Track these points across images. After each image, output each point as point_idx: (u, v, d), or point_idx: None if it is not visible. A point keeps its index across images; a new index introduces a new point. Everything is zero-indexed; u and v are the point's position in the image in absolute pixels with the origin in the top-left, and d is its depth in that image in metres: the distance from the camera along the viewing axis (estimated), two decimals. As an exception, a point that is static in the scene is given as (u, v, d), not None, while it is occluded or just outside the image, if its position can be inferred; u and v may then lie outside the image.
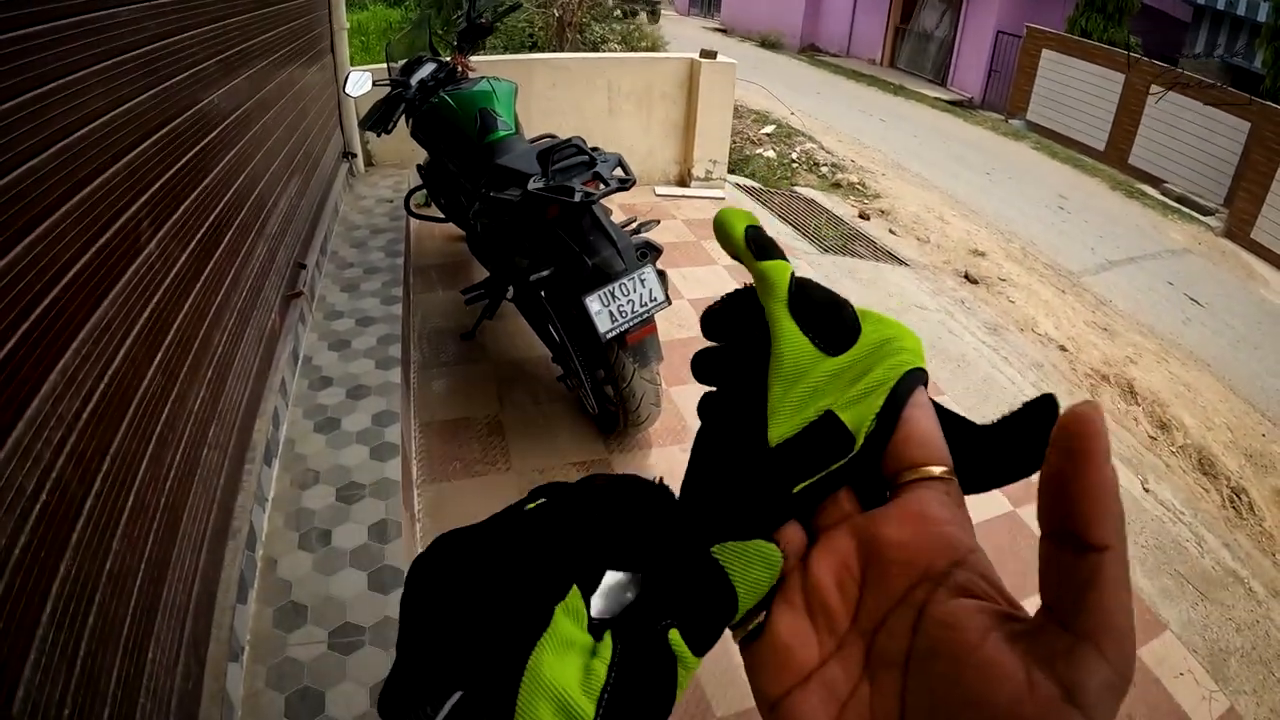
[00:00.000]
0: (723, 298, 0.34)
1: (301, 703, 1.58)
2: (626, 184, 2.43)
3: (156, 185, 1.57)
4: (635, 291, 2.30)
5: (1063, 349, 4.83)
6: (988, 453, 0.28)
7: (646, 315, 2.33)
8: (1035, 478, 0.25)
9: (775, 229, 5.21)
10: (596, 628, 0.26)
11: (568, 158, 2.44)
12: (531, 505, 0.30)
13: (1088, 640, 0.21)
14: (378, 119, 3.25)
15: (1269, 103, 8.86)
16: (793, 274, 0.31)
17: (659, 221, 3.02)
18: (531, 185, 2.35)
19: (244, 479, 1.95)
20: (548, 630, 0.25)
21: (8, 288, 0.99)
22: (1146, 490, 3.24)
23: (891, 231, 6.11)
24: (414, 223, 4.05)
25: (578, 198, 2.27)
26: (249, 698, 1.58)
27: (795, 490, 0.28)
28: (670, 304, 2.39)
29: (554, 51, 7.16)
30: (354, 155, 4.54)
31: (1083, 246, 7.25)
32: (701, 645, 0.26)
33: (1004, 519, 2.75)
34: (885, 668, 0.25)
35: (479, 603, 0.26)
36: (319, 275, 3.26)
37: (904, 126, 10.84)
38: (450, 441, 2.74)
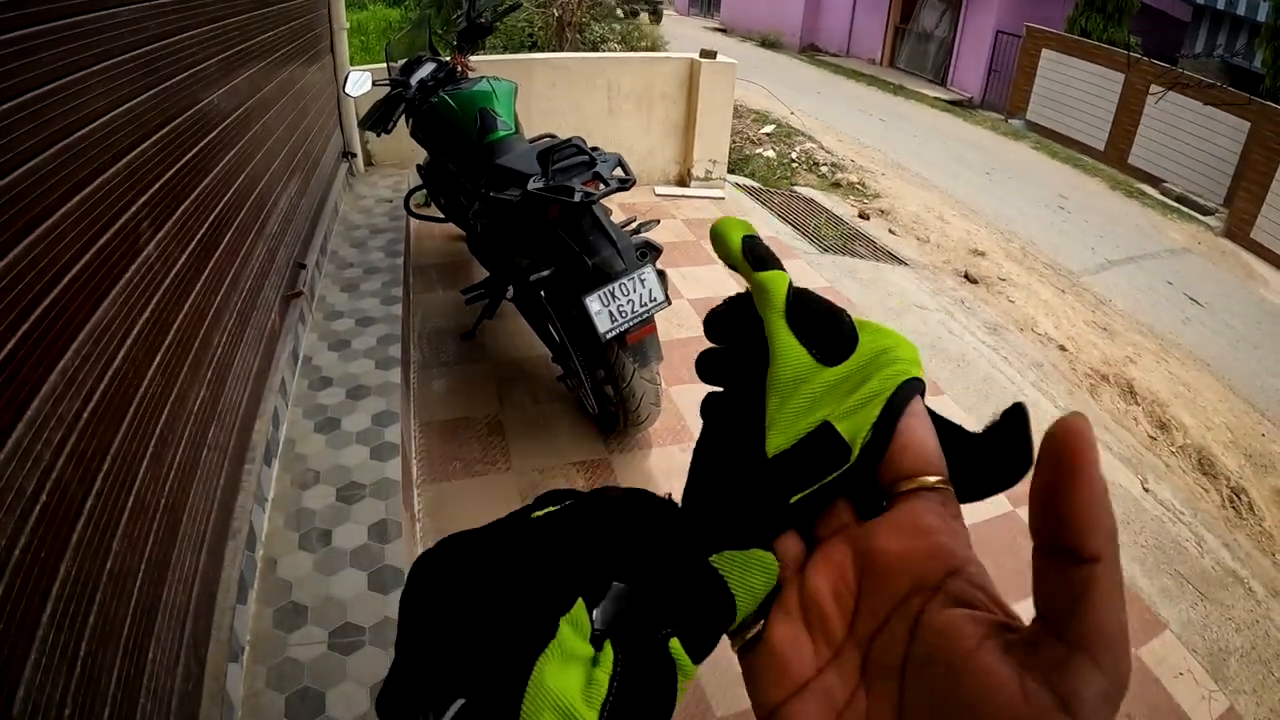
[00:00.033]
0: (726, 300, 0.34)
1: (302, 703, 1.58)
2: (626, 184, 2.43)
3: (156, 185, 1.57)
4: (635, 291, 2.30)
5: (1062, 349, 4.83)
6: (978, 461, 0.28)
7: (646, 315, 2.33)
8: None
9: (775, 229, 5.21)
10: (597, 637, 0.26)
11: (568, 158, 2.44)
12: (539, 512, 0.30)
13: (1082, 650, 0.21)
14: (377, 119, 3.24)
15: (1268, 102, 8.86)
16: (790, 284, 0.31)
17: (659, 221, 3.02)
18: (531, 185, 2.35)
19: (244, 479, 1.95)
20: (553, 642, 0.25)
21: (8, 288, 0.99)
22: (1146, 490, 3.24)
23: (891, 231, 6.11)
24: (414, 222, 4.05)
25: (578, 198, 2.27)
26: (249, 698, 1.58)
27: (792, 501, 0.28)
28: (670, 304, 2.40)
29: (554, 51, 7.15)
30: (354, 155, 4.54)
31: (1082, 246, 7.25)
32: (700, 653, 0.27)
33: (1004, 519, 2.75)
34: (881, 677, 0.25)
35: (483, 609, 0.26)
36: (319, 275, 3.26)
37: (904, 126, 10.85)
38: (450, 441, 2.74)
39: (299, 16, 3.29)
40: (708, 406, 0.34)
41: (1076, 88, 11.22)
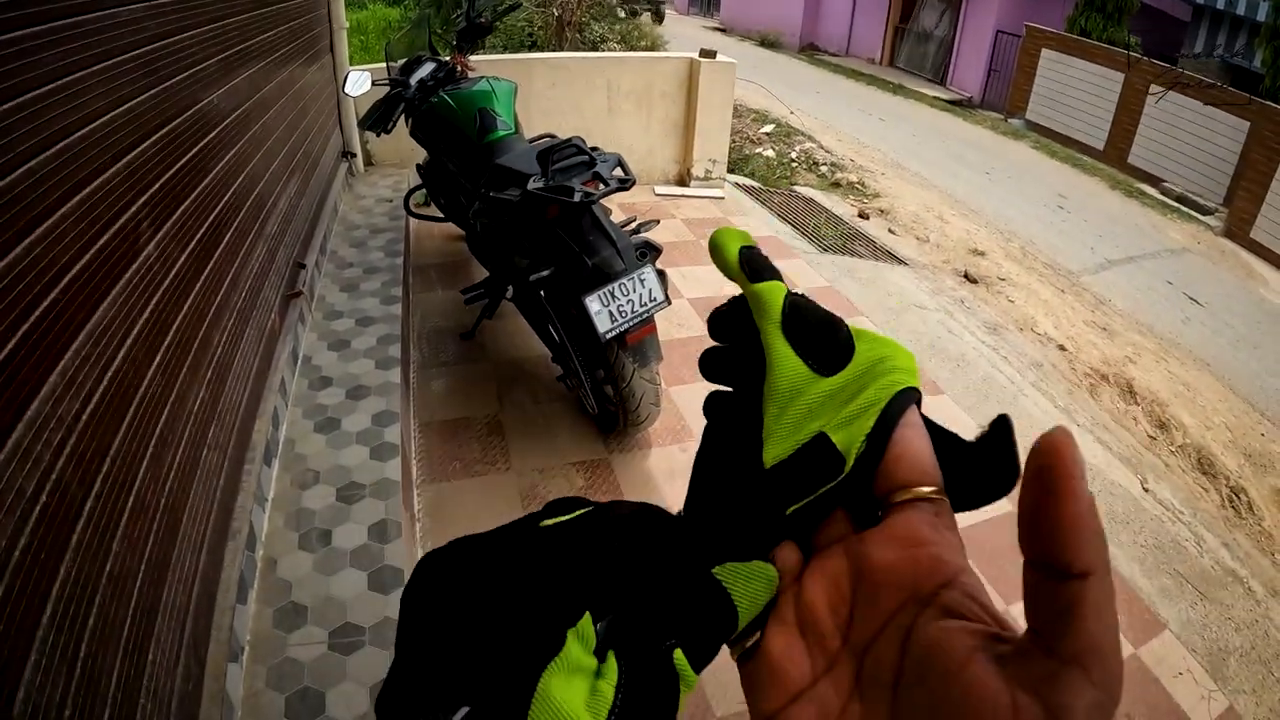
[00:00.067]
0: (730, 300, 0.34)
1: (302, 703, 1.58)
2: (626, 184, 2.43)
3: (156, 185, 1.57)
4: (635, 291, 2.30)
5: (1062, 348, 4.83)
6: (971, 471, 0.28)
7: (646, 315, 2.33)
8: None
9: (775, 228, 5.21)
10: (600, 648, 0.26)
11: (567, 158, 2.44)
12: (548, 521, 0.30)
13: (1073, 664, 0.21)
14: (377, 118, 3.25)
15: (1268, 102, 8.86)
16: (787, 294, 0.31)
17: (659, 221, 3.02)
18: (531, 185, 2.35)
19: (244, 479, 1.95)
20: (559, 655, 0.25)
21: (8, 289, 0.99)
22: (1146, 490, 3.25)
23: (891, 231, 6.11)
24: (413, 222, 4.05)
25: (577, 198, 2.27)
26: (249, 698, 1.58)
27: (789, 512, 0.28)
28: (670, 304, 2.40)
29: (553, 51, 7.15)
30: (353, 155, 4.54)
31: (1082, 246, 7.25)
32: (701, 662, 0.27)
33: (1003, 520, 2.74)
34: (875, 687, 0.26)
35: (489, 616, 0.26)
36: (318, 275, 3.26)
37: (903, 126, 10.85)
38: (450, 441, 2.74)
39: (298, 16, 3.29)
40: (711, 405, 0.34)
41: (1076, 87, 11.22)
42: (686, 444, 2.84)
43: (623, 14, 9.43)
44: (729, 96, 5.38)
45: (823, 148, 8.13)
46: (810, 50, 17.18)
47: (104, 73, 1.36)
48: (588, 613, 0.26)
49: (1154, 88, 9.99)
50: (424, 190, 3.71)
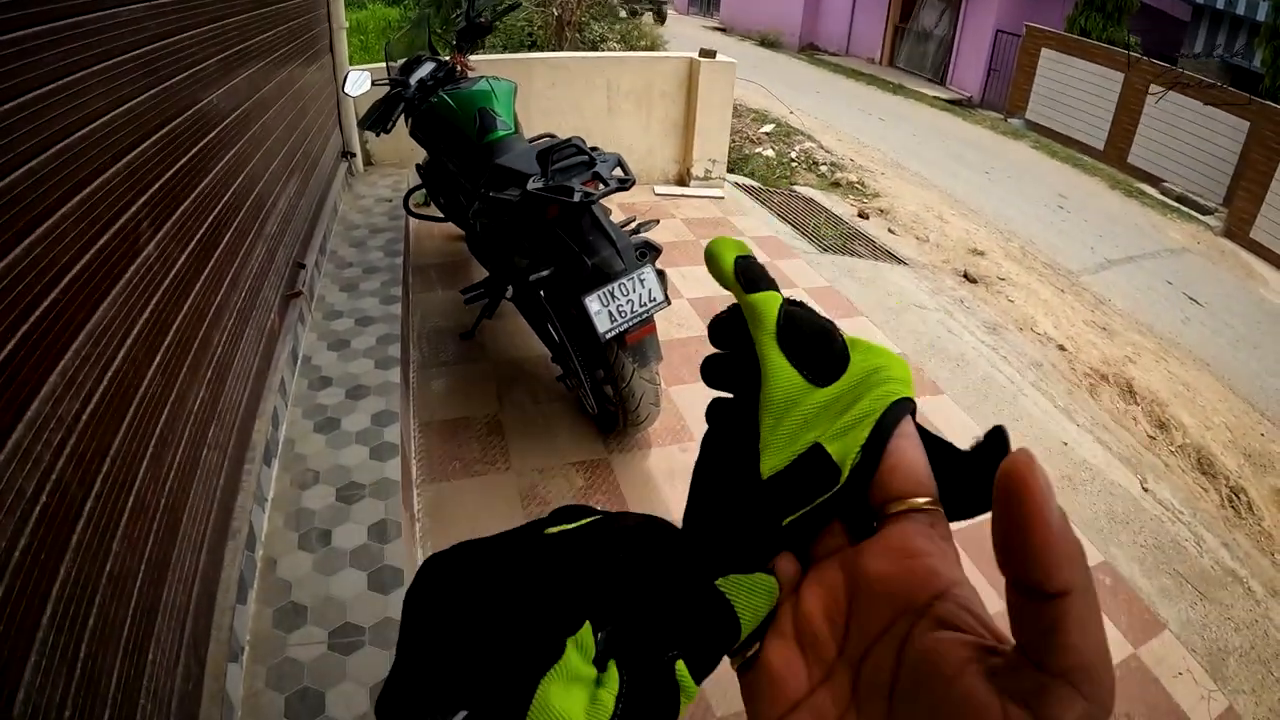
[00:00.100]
0: (730, 308, 0.34)
1: (301, 703, 1.58)
2: (626, 184, 2.43)
3: (156, 186, 1.57)
4: (635, 291, 2.30)
5: (1062, 348, 4.83)
6: (966, 481, 0.29)
7: (646, 315, 2.33)
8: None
9: (774, 228, 5.21)
10: (601, 657, 0.26)
11: (567, 158, 2.44)
12: (554, 529, 0.30)
13: (1062, 678, 0.21)
14: (377, 118, 3.25)
15: (1268, 102, 8.86)
16: (782, 304, 0.31)
17: (658, 221, 3.02)
18: (531, 185, 2.35)
19: (244, 479, 1.95)
20: (559, 663, 0.25)
21: (7, 289, 0.99)
22: (1145, 490, 3.25)
23: (891, 230, 6.11)
24: (413, 222, 4.05)
25: (577, 198, 2.27)
26: (249, 698, 1.58)
27: (785, 523, 0.29)
28: (670, 304, 2.40)
29: (553, 51, 7.15)
30: (353, 155, 4.54)
31: (1082, 246, 7.25)
32: (702, 673, 0.28)
33: (1003, 519, 2.75)
34: (872, 697, 0.26)
35: (491, 622, 0.26)
36: (318, 275, 3.26)
37: (903, 125, 10.85)
38: (450, 441, 2.74)
39: (298, 16, 3.29)
40: (713, 412, 0.34)
41: (1076, 87, 11.22)
42: (686, 444, 2.84)
43: (624, 13, 9.43)
44: (729, 96, 5.38)
45: (822, 147, 8.13)
46: (810, 50, 17.17)
47: (104, 73, 1.36)
48: (588, 622, 0.26)
49: (1154, 88, 9.99)
50: (424, 190, 3.71)
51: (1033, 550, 0.21)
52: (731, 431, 0.32)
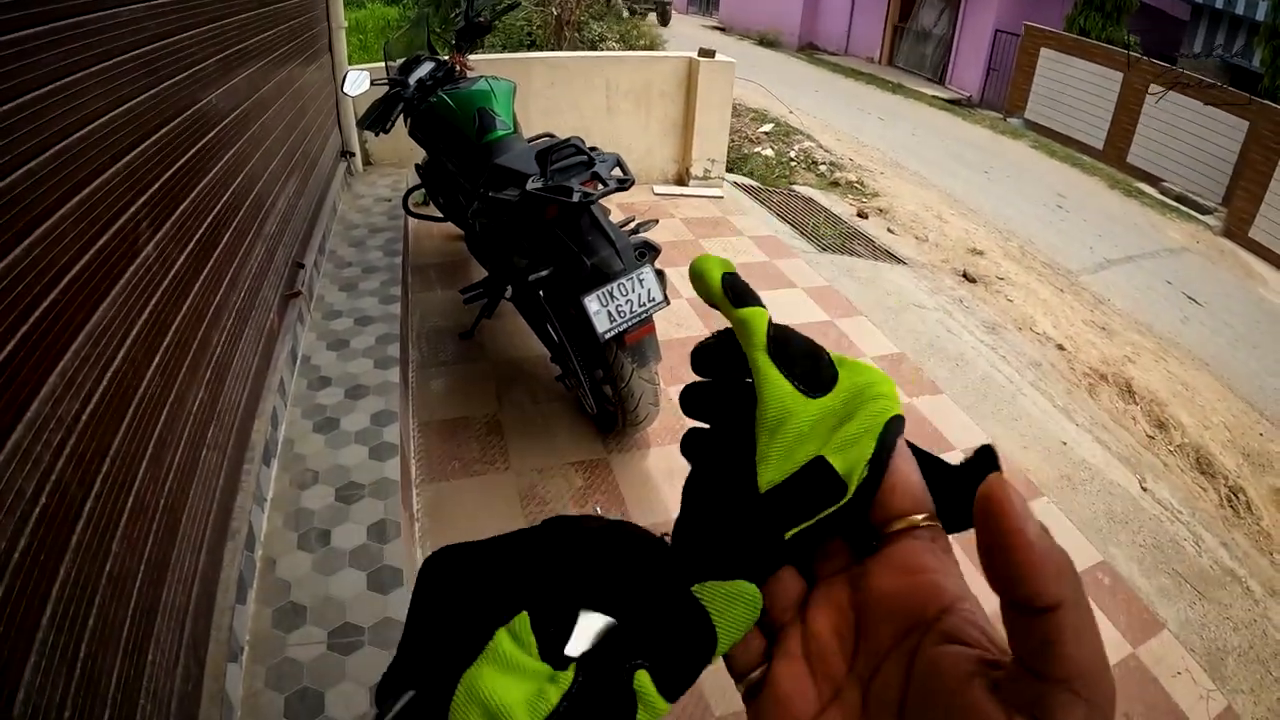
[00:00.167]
0: (715, 334, 0.34)
1: (301, 703, 1.58)
2: (625, 184, 2.43)
3: (155, 186, 1.57)
4: (634, 291, 2.30)
5: (1061, 348, 4.83)
6: (956, 496, 0.29)
7: (645, 315, 2.33)
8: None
9: (773, 227, 5.21)
10: (574, 662, 0.27)
11: (566, 157, 2.44)
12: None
13: (1061, 685, 0.21)
14: (376, 118, 3.24)
15: (1267, 102, 8.86)
16: (770, 320, 0.31)
17: (657, 221, 3.02)
18: (530, 185, 2.35)
19: (243, 479, 1.95)
20: (487, 647, 0.26)
21: (7, 290, 0.99)
22: (1144, 489, 3.25)
23: (890, 230, 6.11)
24: (412, 222, 4.05)
25: (576, 198, 2.27)
26: (248, 698, 1.58)
27: (787, 536, 0.28)
28: (669, 304, 2.40)
29: (552, 50, 7.14)
30: (352, 154, 4.53)
31: (1081, 245, 7.25)
32: (675, 688, 0.27)
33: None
34: (881, 714, 0.26)
35: (452, 614, 0.27)
36: (317, 274, 3.26)
37: (902, 125, 10.84)
38: (449, 441, 2.74)
39: (297, 16, 3.29)
40: (689, 444, 0.34)
41: (1075, 87, 11.23)
42: (685, 444, 2.84)
43: (627, 13, 9.43)
44: (728, 96, 5.38)
45: (821, 147, 8.13)
46: (809, 49, 17.17)
47: (103, 73, 1.36)
48: (524, 613, 0.27)
49: (1154, 88, 10.00)
50: (423, 190, 3.71)
51: (1017, 570, 0.22)
52: (715, 460, 0.32)
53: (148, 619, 1.29)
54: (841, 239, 5.37)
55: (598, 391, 2.68)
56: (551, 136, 2.91)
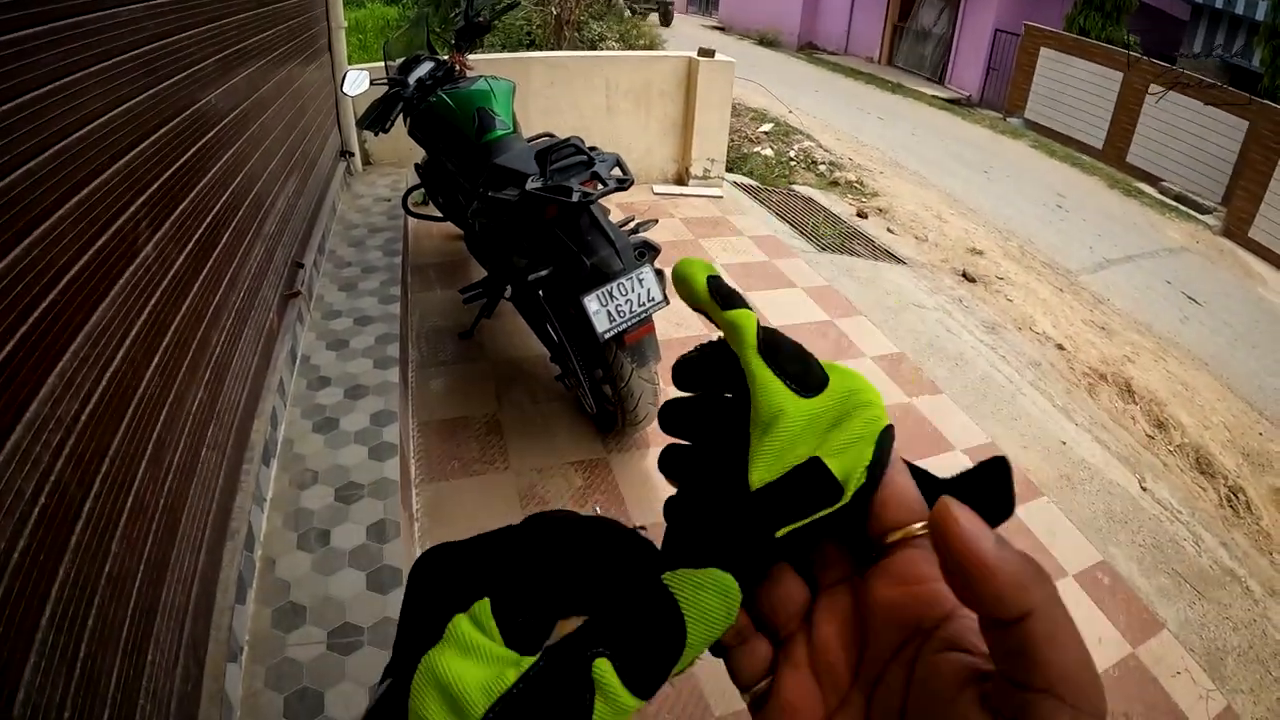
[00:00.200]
0: (697, 348, 0.34)
1: (300, 703, 1.58)
2: (624, 184, 2.43)
3: (154, 186, 1.57)
4: (633, 291, 2.30)
5: (1060, 347, 4.83)
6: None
7: (644, 315, 2.33)
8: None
9: (773, 227, 5.21)
10: (525, 643, 0.27)
11: (566, 157, 2.44)
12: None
13: (1045, 692, 0.22)
14: (375, 118, 3.24)
15: (1267, 101, 8.86)
16: (758, 322, 0.31)
17: (657, 221, 3.02)
18: (529, 185, 2.35)
19: (242, 479, 1.95)
20: (446, 630, 0.26)
21: (6, 290, 0.99)
22: (1144, 489, 3.25)
23: (889, 230, 6.11)
24: (412, 221, 4.05)
25: (575, 198, 2.27)
26: (248, 698, 1.58)
27: (779, 535, 0.28)
28: (668, 303, 2.40)
29: (552, 50, 7.14)
30: (352, 154, 4.53)
31: (1081, 245, 7.25)
32: (645, 681, 0.25)
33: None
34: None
35: (434, 610, 0.28)
36: (317, 274, 3.26)
37: (902, 124, 10.84)
38: (448, 441, 2.74)
39: (296, 15, 3.29)
40: (668, 460, 0.34)
41: (1075, 86, 11.23)
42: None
43: (629, 13, 9.42)
44: (727, 95, 5.38)
45: (821, 146, 8.13)
46: (809, 49, 17.17)
47: (102, 73, 1.36)
48: (485, 599, 0.27)
49: (1153, 88, 10.00)
50: (422, 189, 3.71)
51: (977, 588, 0.22)
52: (697, 477, 0.32)
53: (147, 619, 1.29)
54: (841, 239, 5.37)
55: (597, 391, 2.68)
56: (551, 136, 2.91)
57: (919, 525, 0.28)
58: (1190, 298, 6.60)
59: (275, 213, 2.58)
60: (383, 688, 0.27)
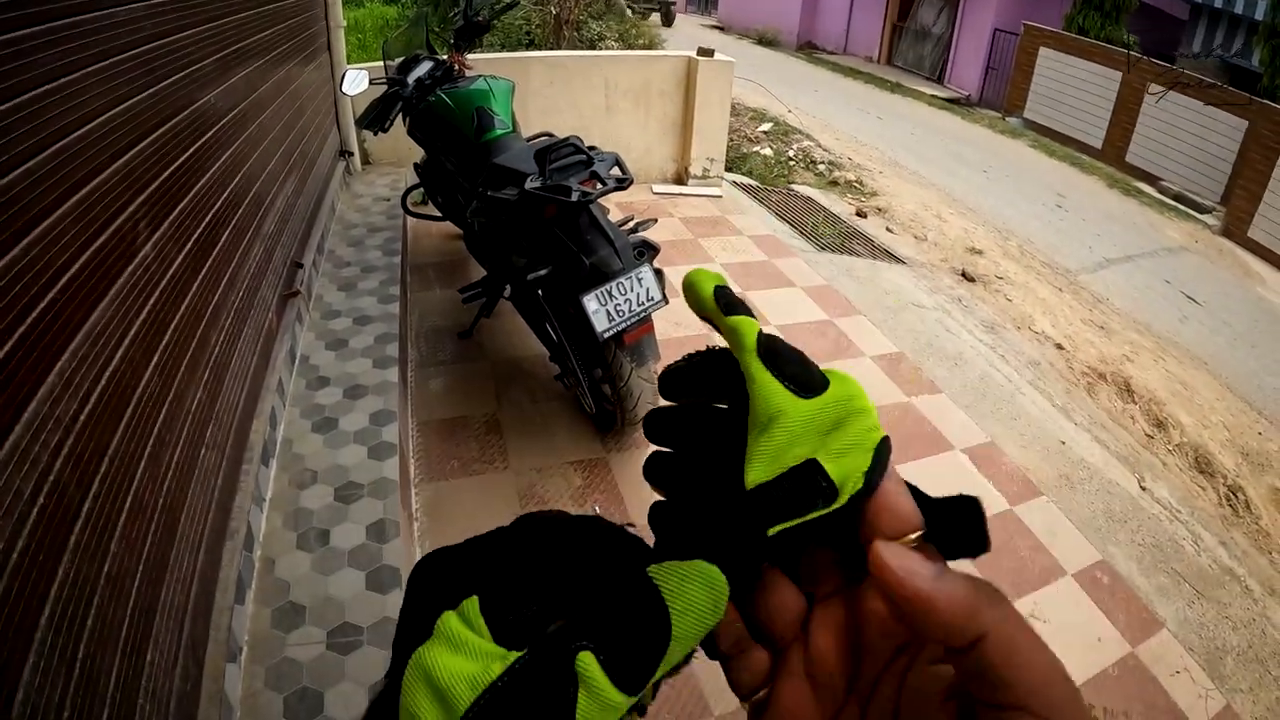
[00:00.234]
0: (685, 357, 0.34)
1: (300, 703, 1.58)
2: (624, 183, 2.43)
3: (153, 185, 1.57)
4: (632, 290, 2.30)
5: (1060, 347, 4.83)
6: (934, 527, 0.29)
7: (644, 314, 2.33)
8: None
9: (772, 227, 5.21)
10: (517, 638, 0.27)
11: (565, 157, 2.44)
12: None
13: (1020, 709, 0.22)
14: (375, 117, 3.24)
15: (1266, 101, 8.87)
16: (759, 329, 0.31)
17: (656, 220, 3.02)
18: (528, 184, 2.35)
19: (242, 479, 1.95)
20: (436, 625, 0.27)
21: (5, 290, 0.99)
22: (1143, 488, 3.25)
23: (889, 229, 6.11)
24: (411, 221, 4.05)
25: (575, 197, 2.27)
26: (247, 698, 1.58)
27: (770, 533, 0.28)
28: (668, 303, 2.40)
29: (551, 49, 7.14)
30: (351, 154, 4.53)
31: (1080, 244, 7.26)
32: (633, 676, 0.25)
33: (1000, 519, 2.76)
34: None
35: (428, 613, 0.28)
36: (316, 274, 3.26)
37: (901, 124, 10.84)
38: (448, 440, 2.74)
39: (295, 15, 3.28)
40: (653, 469, 0.34)
41: (1074, 86, 11.23)
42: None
43: (631, 13, 9.42)
44: (727, 95, 5.38)
45: (820, 146, 8.12)
46: (808, 48, 17.17)
47: (101, 73, 1.36)
48: (474, 596, 0.27)
49: (1153, 87, 10.00)
50: (421, 189, 3.71)
51: (920, 621, 0.23)
52: (684, 481, 0.33)
53: (146, 619, 1.29)
54: (840, 238, 5.37)
55: (596, 391, 2.68)
56: (550, 135, 2.91)
57: (912, 536, 0.28)
58: (1189, 297, 6.61)
59: (274, 212, 2.58)
60: (379, 688, 0.27)
